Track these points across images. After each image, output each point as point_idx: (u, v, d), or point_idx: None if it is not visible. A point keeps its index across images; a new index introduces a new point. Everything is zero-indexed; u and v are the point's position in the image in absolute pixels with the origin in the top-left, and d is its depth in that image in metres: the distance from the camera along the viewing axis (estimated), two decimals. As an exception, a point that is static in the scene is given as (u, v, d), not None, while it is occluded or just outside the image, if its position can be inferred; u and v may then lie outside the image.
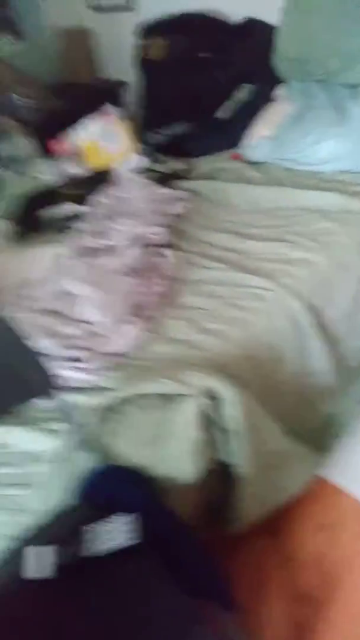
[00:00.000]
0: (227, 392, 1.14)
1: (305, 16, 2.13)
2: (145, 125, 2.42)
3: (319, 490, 1.56)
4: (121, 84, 2.99)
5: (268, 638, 1.29)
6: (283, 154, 2.03)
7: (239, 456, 1.17)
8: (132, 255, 1.60)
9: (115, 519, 0.93)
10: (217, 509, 1.34)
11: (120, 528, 0.92)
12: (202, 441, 1.11)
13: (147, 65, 2.48)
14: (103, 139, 2.07)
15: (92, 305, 1.38)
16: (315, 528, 1.49)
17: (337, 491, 1.56)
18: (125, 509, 0.95)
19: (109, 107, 2.22)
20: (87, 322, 1.37)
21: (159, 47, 2.42)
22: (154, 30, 2.49)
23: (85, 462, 1.11)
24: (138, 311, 1.44)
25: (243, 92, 2.39)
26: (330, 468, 1.60)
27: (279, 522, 1.49)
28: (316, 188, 1.85)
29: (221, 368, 1.30)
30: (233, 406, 1.14)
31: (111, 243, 1.68)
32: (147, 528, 0.94)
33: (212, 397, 1.17)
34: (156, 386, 1.15)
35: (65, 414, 1.04)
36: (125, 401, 1.20)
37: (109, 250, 1.68)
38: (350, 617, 1.31)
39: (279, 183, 1.95)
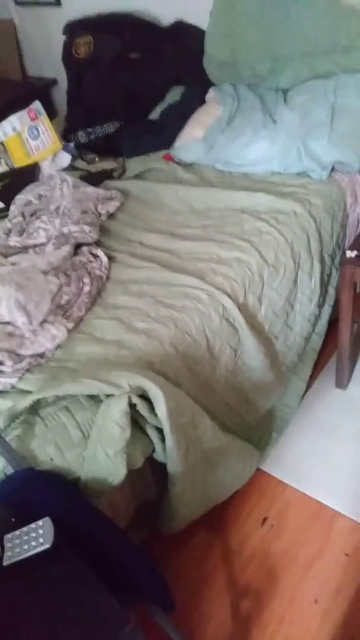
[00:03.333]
0: (157, 391, 1.09)
1: (234, 20, 2.14)
2: (76, 124, 2.34)
3: (261, 484, 1.59)
4: (51, 81, 2.92)
5: (210, 634, 1.29)
6: (214, 156, 2.02)
7: (171, 454, 1.13)
8: (58, 255, 1.52)
9: (34, 524, 0.89)
10: (154, 508, 1.30)
11: (38, 533, 0.88)
12: (128, 441, 1.06)
13: (75, 62, 2.42)
14: (28, 136, 1.98)
15: (14, 306, 1.29)
16: (258, 521, 1.51)
17: (278, 484, 1.59)
18: (44, 514, 0.91)
19: (36, 104, 2.13)
20: (8, 324, 1.28)
21: (87, 45, 2.36)
22: (82, 27, 2.43)
23: (2, 467, 1.03)
24: (65, 311, 1.37)
25: (174, 94, 2.37)
26: (271, 462, 1.61)
27: (222, 518, 1.51)
28: (248, 189, 1.86)
29: (152, 367, 1.26)
30: (163, 404, 1.09)
31: (36, 242, 1.60)
32: (69, 531, 0.90)
33: (143, 396, 1.13)
34: (80, 387, 1.09)
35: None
36: (49, 404, 1.13)
37: (34, 249, 1.60)
38: (295, 607, 1.33)
39: (211, 184, 1.94)
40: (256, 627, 1.29)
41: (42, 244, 1.59)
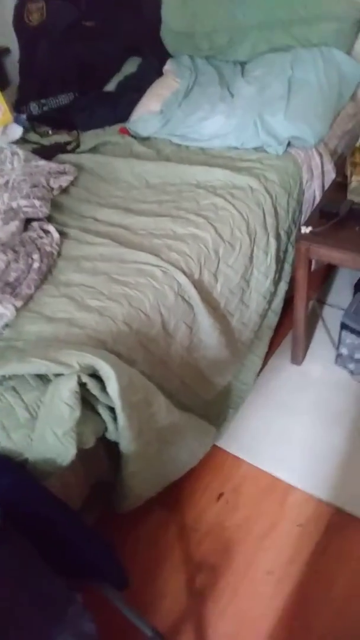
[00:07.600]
0: (108, 369, 1.07)
1: (191, -11, 2.09)
2: (28, 95, 2.25)
3: (217, 460, 1.60)
4: (2, 50, 2.80)
5: (165, 609, 1.30)
6: (171, 130, 1.98)
7: (123, 433, 1.12)
8: (7, 230, 1.47)
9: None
10: (108, 488, 1.29)
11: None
12: (78, 420, 1.04)
13: (27, 30, 2.31)
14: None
15: None
16: (214, 497, 1.52)
17: (234, 460, 1.60)
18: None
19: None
20: None
21: (39, 11, 2.25)
22: (33, -8, 2.32)
23: None
24: (13, 289, 1.33)
25: (131, 65, 2.30)
26: (228, 438, 1.62)
27: (178, 494, 1.52)
28: (204, 164, 1.83)
29: (105, 346, 1.23)
30: (114, 383, 1.07)
31: (-16, 217, 1.53)
32: (17, 514, 0.89)
33: (94, 375, 1.10)
34: (27, 366, 1.05)
35: None
36: (-5, 385, 1.10)
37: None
38: (249, 579, 1.35)
39: (167, 158, 1.90)
40: (210, 600, 1.30)
41: (-10, 220, 1.53)
